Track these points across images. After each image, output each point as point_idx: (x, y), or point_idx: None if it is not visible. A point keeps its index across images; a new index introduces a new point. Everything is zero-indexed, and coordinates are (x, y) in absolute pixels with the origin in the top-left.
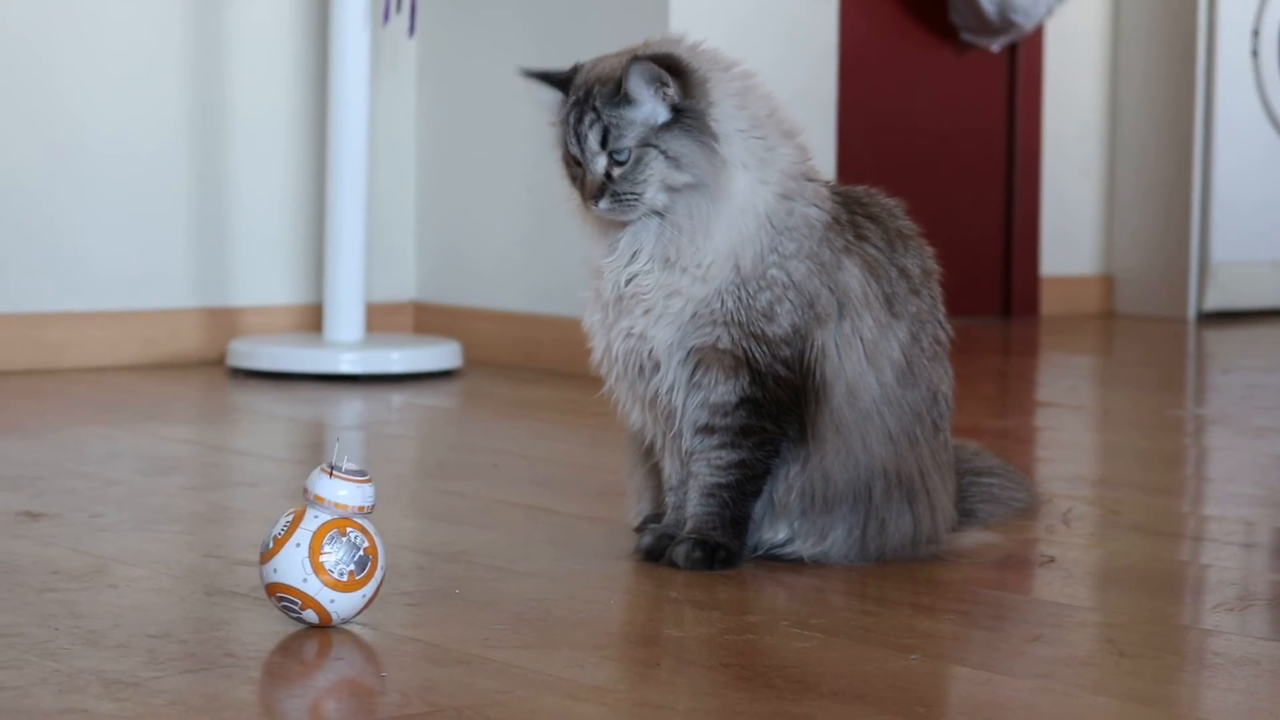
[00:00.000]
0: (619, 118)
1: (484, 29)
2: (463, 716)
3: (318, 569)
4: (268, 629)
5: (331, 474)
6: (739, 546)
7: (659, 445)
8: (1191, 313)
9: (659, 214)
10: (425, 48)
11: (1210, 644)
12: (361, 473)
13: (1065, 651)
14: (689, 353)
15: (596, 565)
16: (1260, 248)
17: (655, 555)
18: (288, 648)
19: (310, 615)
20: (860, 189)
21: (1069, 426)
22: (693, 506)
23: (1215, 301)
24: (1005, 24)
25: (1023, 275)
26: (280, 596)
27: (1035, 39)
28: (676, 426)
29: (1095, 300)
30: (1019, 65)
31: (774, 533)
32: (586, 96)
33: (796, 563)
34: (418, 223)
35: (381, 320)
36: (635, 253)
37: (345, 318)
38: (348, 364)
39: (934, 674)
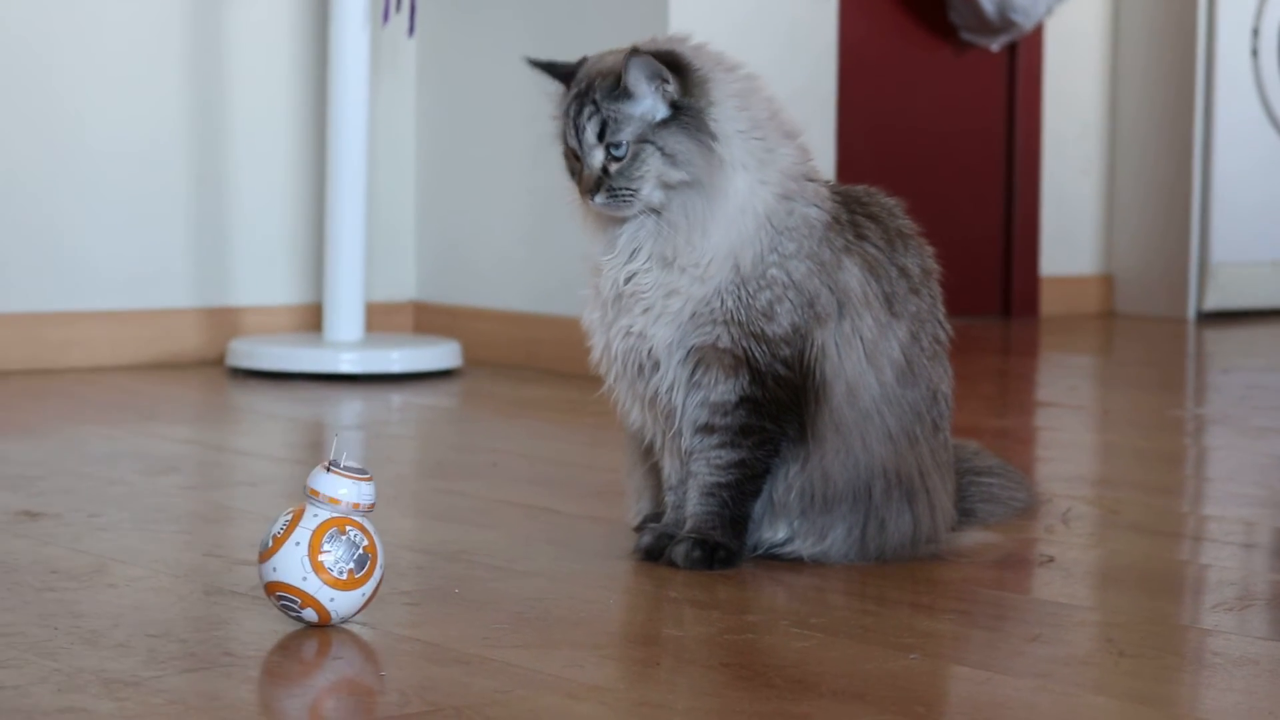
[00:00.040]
0: (617, 111)
1: (484, 29)
2: (462, 716)
3: (317, 567)
4: (267, 628)
5: (329, 469)
6: (738, 546)
7: (658, 444)
8: (1191, 313)
9: (656, 212)
10: (425, 47)
11: (1209, 644)
12: (362, 470)
13: (1065, 651)
14: (689, 352)
15: (596, 565)
16: (1260, 247)
17: (655, 555)
18: (287, 647)
19: (310, 614)
20: (860, 189)
21: (1069, 426)
22: (692, 506)
23: (1215, 301)
24: (1005, 23)
25: (1022, 275)
26: (280, 595)
27: (1035, 38)
28: (676, 426)
29: (1095, 300)
30: (1019, 65)
31: (774, 532)
32: (587, 89)
33: (796, 562)
34: (417, 222)
35: (381, 320)
36: (634, 251)
37: (345, 317)
38: (348, 364)
39: (933, 673)
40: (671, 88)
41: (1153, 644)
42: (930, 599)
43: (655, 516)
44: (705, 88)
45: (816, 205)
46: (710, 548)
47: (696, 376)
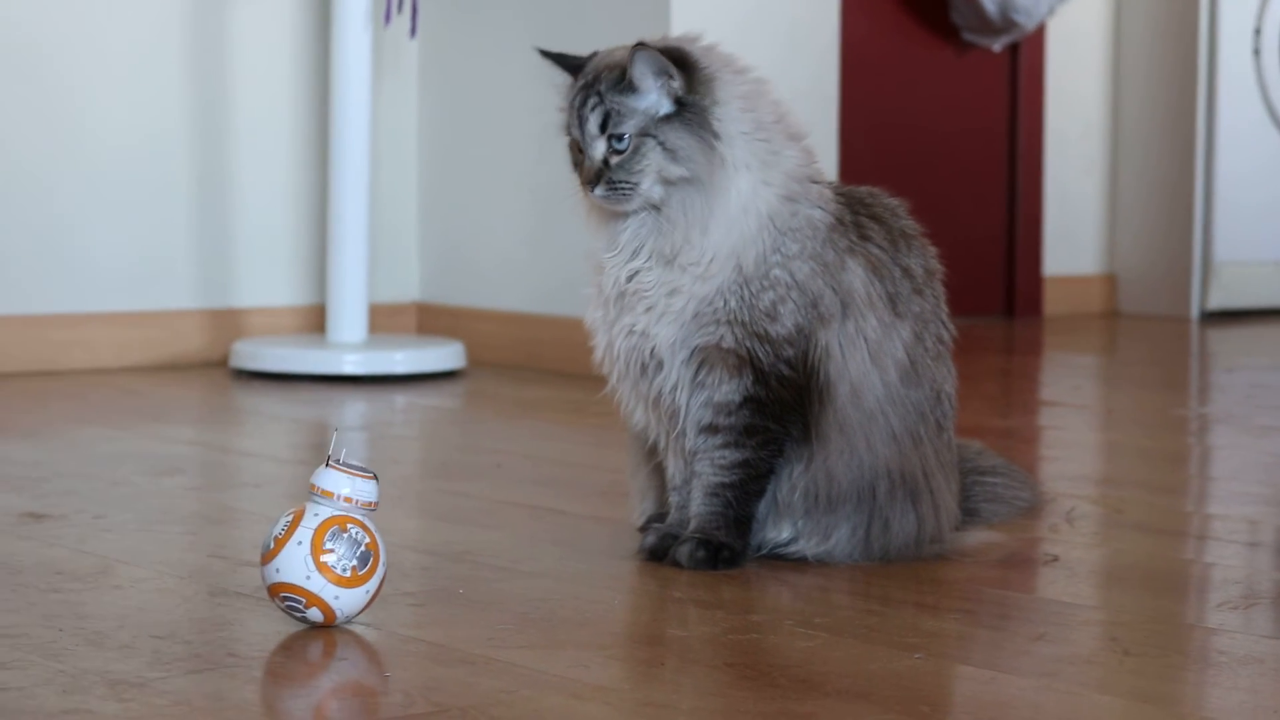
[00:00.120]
0: (621, 104)
1: (485, 30)
2: (467, 716)
3: (321, 566)
4: (271, 629)
5: (328, 465)
6: (743, 546)
7: (662, 445)
8: (1195, 312)
9: (657, 208)
10: (427, 48)
11: (1214, 642)
12: (364, 469)
13: (1069, 650)
14: (692, 352)
15: (600, 565)
16: (1263, 247)
17: (659, 555)
18: (291, 648)
19: (314, 614)
20: (864, 189)
21: (1072, 425)
22: (696, 506)
23: (1218, 301)
24: (1007, 23)
25: (1026, 275)
26: (284, 596)
27: (1037, 38)
28: (680, 426)
29: (1098, 299)
30: (1021, 65)
31: (778, 532)
32: (593, 81)
33: (800, 562)
34: (420, 223)
35: (385, 321)
36: (637, 249)
37: (348, 319)
38: (351, 365)
39: (938, 673)
40: (676, 84)
41: (1157, 643)
42: (935, 599)
43: (659, 517)
44: (711, 86)
45: (820, 207)
46: (714, 548)
47: (700, 376)
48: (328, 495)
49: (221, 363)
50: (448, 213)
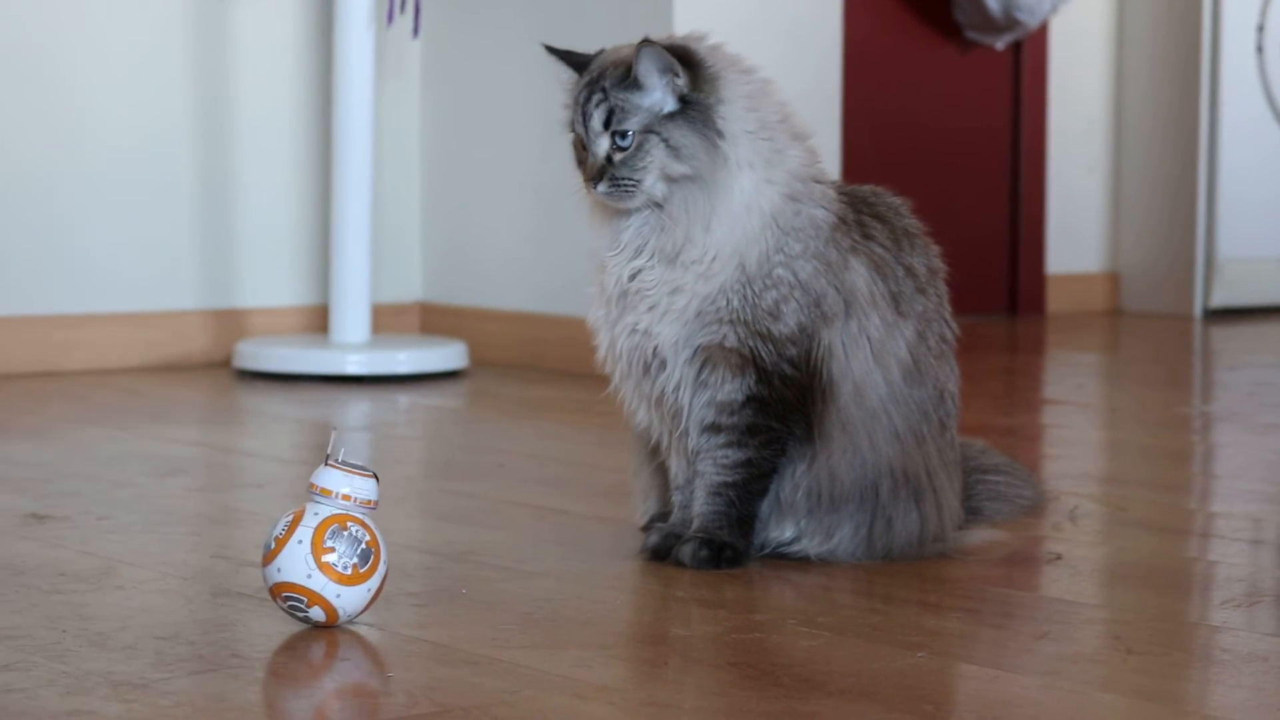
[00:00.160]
0: (625, 100)
1: (487, 30)
2: (470, 717)
3: (322, 565)
4: (275, 630)
5: (327, 464)
6: (746, 545)
7: (665, 444)
8: (1198, 309)
9: (659, 205)
10: (429, 49)
11: (1218, 640)
12: (363, 467)
13: (1072, 649)
14: (695, 351)
15: (604, 565)
16: (1266, 244)
17: (662, 554)
18: (294, 648)
19: (317, 613)
20: (867, 188)
21: (1075, 424)
22: (699, 505)
23: (1222, 298)
24: (1010, 22)
25: (1028, 273)
26: (286, 596)
27: (1040, 36)
28: (683, 425)
29: (1101, 298)
30: (1024, 63)
31: (781, 531)
32: (599, 77)
33: (803, 561)
34: (423, 223)
35: (388, 321)
36: (639, 247)
37: (351, 319)
38: (354, 365)
39: (941, 672)
40: (681, 81)
41: (1161, 641)
42: (938, 597)
43: (662, 516)
44: (716, 85)
45: (823, 207)
46: (717, 547)
47: (703, 376)
48: (327, 494)
49: (224, 363)
50: (450, 212)
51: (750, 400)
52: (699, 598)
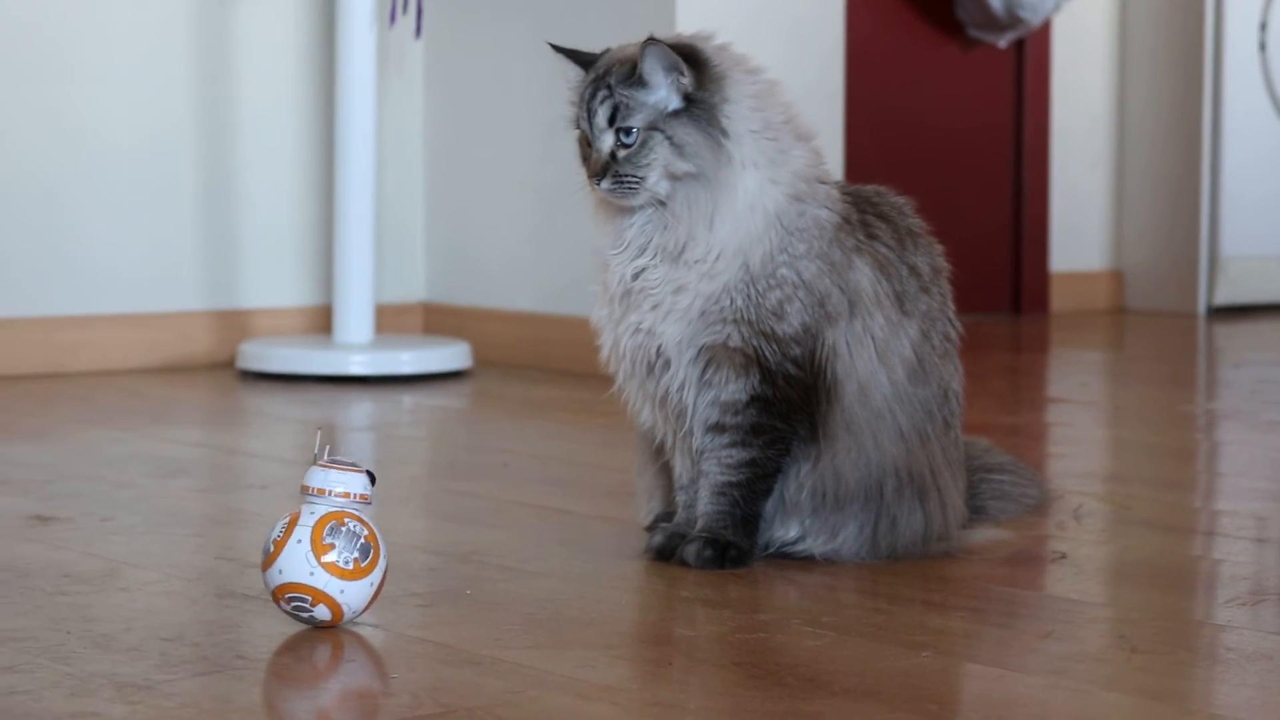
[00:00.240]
0: (630, 97)
1: (490, 30)
2: (474, 717)
3: (323, 562)
4: (279, 631)
5: (316, 464)
6: (750, 545)
7: (669, 444)
8: (1201, 307)
9: (663, 204)
10: (431, 49)
11: (1222, 639)
12: (353, 463)
13: (1077, 647)
14: (699, 350)
15: (608, 565)
16: (1270, 242)
17: (666, 554)
18: (298, 649)
19: (321, 611)
20: (870, 188)
21: (1080, 422)
22: (703, 505)
23: (1225, 296)
24: (1012, 20)
25: (1032, 271)
26: (290, 597)
27: (1043, 34)
28: (687, 425)
29: (1105, 296)
30: (1026, 61)
31: (785, 531)
32: (604, 75)
33: (808, 561)
34: (426, 223)
35: (391, 321)
36: (643, 246)
37: (355, 319)
38: (358, 365)
39: (946, 671)
40: (686, 80)
41: (1165, 640)
42: (942, 596)
43: (666, 516)
44: (721, 84)
45: (827, 207)
46: (722, 547)
47: (707, 375)
48: (320, 493)
49: (228, 364)
50: (453, 212)
51: (754, 400)
52: (703, 598)
